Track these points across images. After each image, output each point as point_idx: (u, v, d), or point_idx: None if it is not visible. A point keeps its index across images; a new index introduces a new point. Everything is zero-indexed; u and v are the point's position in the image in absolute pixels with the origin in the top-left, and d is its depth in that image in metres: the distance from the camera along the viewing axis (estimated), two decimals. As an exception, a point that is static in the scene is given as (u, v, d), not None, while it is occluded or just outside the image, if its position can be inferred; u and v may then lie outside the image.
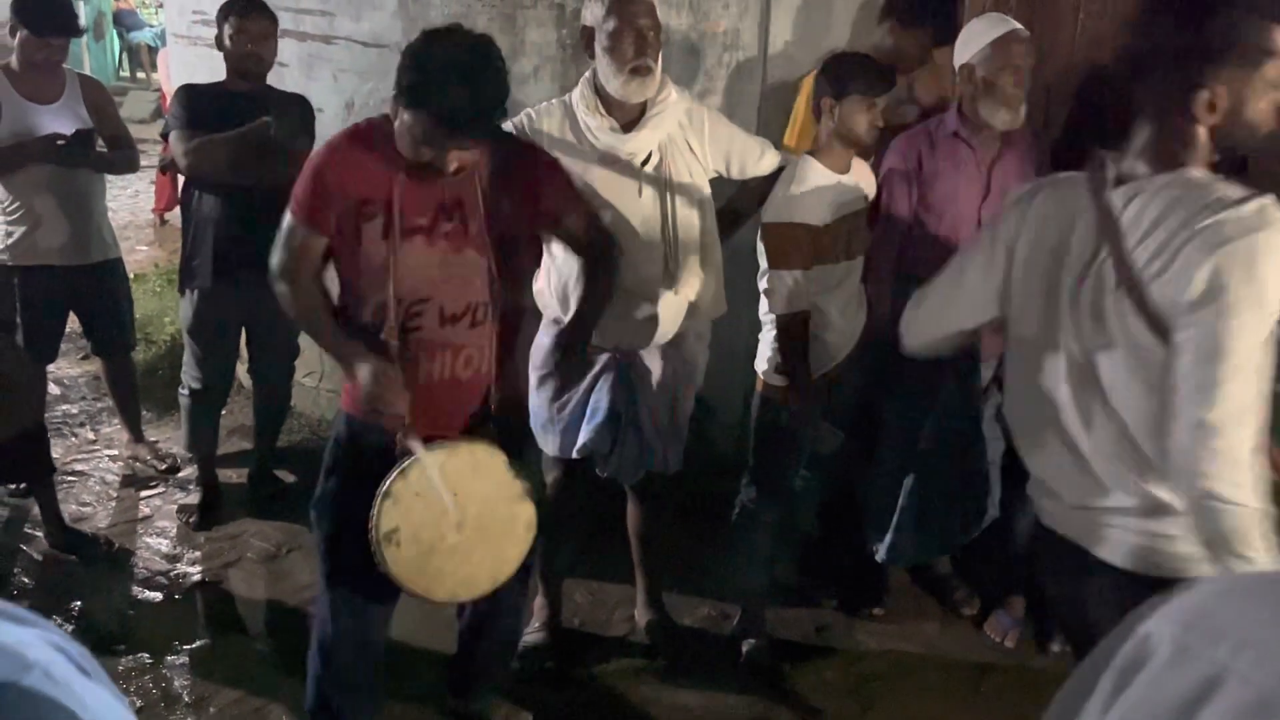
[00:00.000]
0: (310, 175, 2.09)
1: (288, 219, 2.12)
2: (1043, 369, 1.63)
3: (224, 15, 3.25)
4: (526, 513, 2.17)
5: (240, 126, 3.13)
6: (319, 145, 2.20)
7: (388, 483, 2.00)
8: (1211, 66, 1.45)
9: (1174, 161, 1.51)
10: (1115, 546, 1.59)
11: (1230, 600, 0.50)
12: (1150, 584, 1.52)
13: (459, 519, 2.08)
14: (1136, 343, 1.49)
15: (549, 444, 2.71)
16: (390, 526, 2.00)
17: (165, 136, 3.34)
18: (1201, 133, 1.50)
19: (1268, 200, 1.42)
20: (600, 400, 2.60)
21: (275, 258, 2.14)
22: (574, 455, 2.67)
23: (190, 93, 3.30)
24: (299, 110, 3.28)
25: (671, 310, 2.60)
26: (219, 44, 3.28)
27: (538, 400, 2.69)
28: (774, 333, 2.66)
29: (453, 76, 1.89)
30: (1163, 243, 1.44)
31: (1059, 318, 1.59)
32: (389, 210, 2.03)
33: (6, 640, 0.44)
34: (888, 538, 2.97)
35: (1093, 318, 1.54)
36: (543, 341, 2.67)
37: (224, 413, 3.81)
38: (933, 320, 1.87)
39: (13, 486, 3.69)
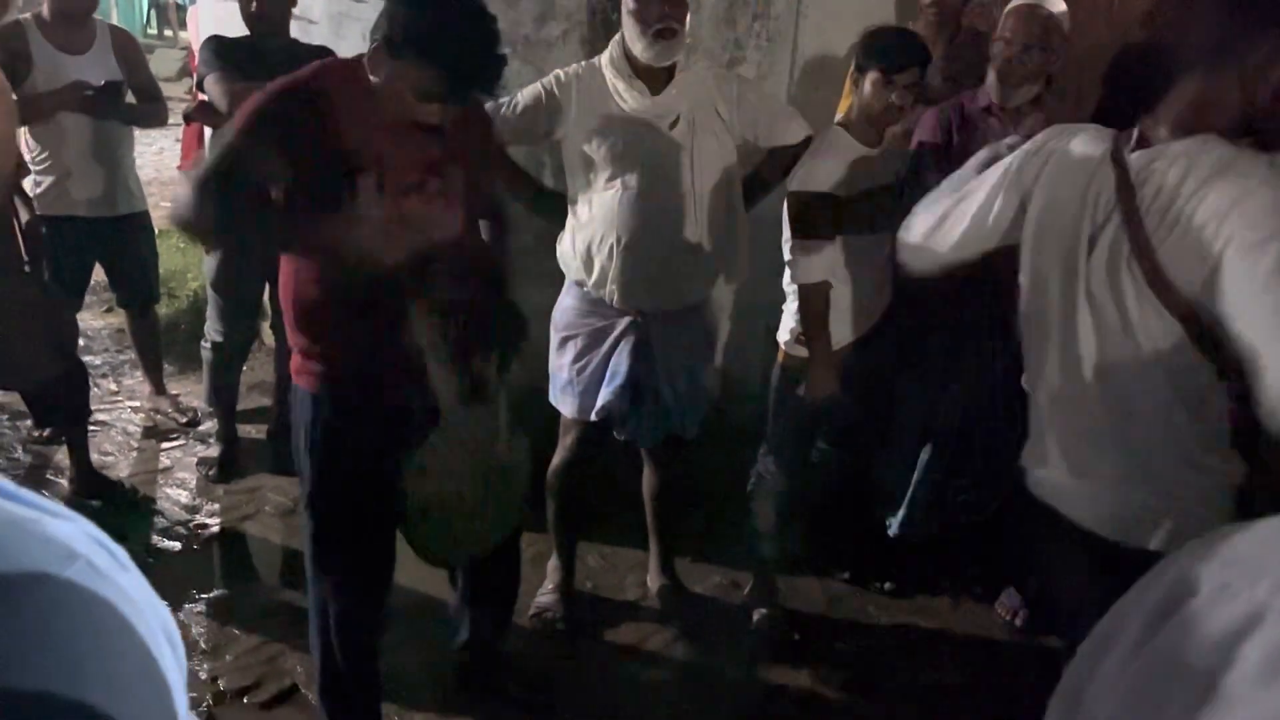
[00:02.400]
0: (291, 94, 1.88)
1: (238, 133, 1.85)
2: (1060, 333, 1.60)
3: None
4: (524, 463, 2.21)
5: (267, 79, 3.11)
6: (289, 78, 1.95)
7: (419, 457, 1.99)
8: (1269, 29, 1.39)
9: (1201, 124, 1.46)
10: (1115, 521, 1.56)
11: (1270, 541, 0.50)
12: (1134, 555, 1.51)
13: (476, 479, 2.11)
14: (1149, 315, 1.46)
15: (567, 405, 2.72)
16: (423, 501, 2.01)
17: (200, 85, 3.33)
18: (1241, 96, 1.44)
19: None
20: (620, 363, 2.61)
21: (210, 166, 1.84)
22: (592, 418, 2.68)
23: (220, 41, 3.30)
24: None
25: (693, 275, 2.59)
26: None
27: (558, 362, 2.70)
28: (796, 303, 2.66)
29: (463, 28, 1.80)
30: (1175, 205, 1.41)
31: (1076, 281, 1.55)
32: (380, 167, 1.90)
33: (50, 532, 0.44)
34: (901, 512, 2.99)
35: (1108, 283, 1.50)
36: (565, 303, 2.68)
37: (245, 368, 3.84)
38: (933, 240, 1.80)
39: (36, 433, 3.74)
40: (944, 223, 1.79)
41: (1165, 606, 0.50)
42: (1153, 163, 1.47)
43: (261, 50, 3.22)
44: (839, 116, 3.10)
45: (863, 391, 2.80)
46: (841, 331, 2.67)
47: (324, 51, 3.33)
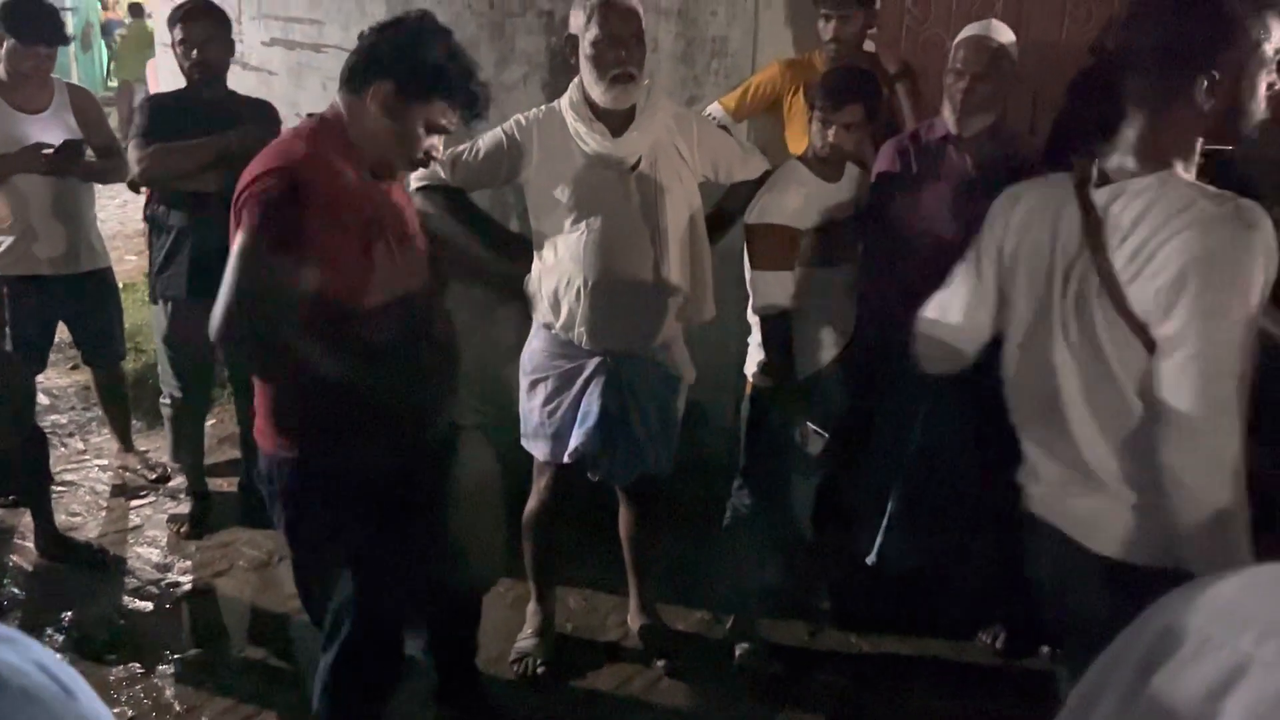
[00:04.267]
0: (297, 197, 1.82)
1: (264, 256, 1.80)
2: (1038, 364, 1.64)
3: (170, 23, 3.23)
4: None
5: (202, 133, 3.10)
6: (281, 157, 1.91)
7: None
8: (1212, 51, 1.44)
9: (1161, 158, 1.50)
10: (1107, 537, 1.59)
11: (1253, 591, 0.50)
12: (1137, 572, 1.53)
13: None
14: (1120, 344, 1.50)
15: (540, 448, 2.71)
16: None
17: None
18: (1196, 124, 1.49)
19: (1245, 202, 1.42)
20: (591, 404, 2.60)
21: (245, 309, 1.81)
22: (565, 460, 2.67)
23: (152, 102, 3.29)
24: (263, 118, 3.25)
25: (661, 314, 2.60)
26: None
27: (528, 405, 2.69)
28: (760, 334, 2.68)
29: (462, 62, 1.91)
30: (1141, 243, 1.45)
31: (1050, 317, 1.61)
32: (381, 223, 1.96)
33: None
34: (878, 540, 2.98)
35: (1078, 317, 1.55)
36: (534, 346, 2.67)
37: (213, 421, 3.80)
38: (936, 334, 1.84)
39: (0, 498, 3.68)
40: (942, 309, 1.82)
41: (1152, 659, 0.50)
42: (1115, 199, 1.51)
43: (199, 102, 3.20)
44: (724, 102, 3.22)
45: (832, 420, 2.80)
46: (806, 360, 2.69)
47: (260, 104, 3.32)
